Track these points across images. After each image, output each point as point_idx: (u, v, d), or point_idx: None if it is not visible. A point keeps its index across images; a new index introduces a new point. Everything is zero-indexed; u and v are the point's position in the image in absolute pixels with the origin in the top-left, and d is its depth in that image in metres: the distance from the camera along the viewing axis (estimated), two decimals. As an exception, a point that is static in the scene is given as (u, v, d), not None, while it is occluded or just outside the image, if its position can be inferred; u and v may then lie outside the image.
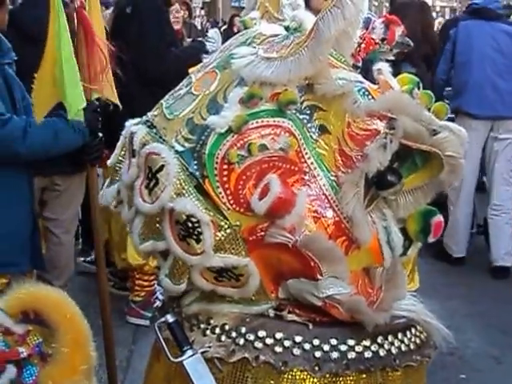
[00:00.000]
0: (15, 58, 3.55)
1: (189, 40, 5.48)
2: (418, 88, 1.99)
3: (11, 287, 2.02)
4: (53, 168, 4.05)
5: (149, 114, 1.97)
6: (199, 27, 15.53)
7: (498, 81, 5.77)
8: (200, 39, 5.62)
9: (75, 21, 3.42)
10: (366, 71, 2.06)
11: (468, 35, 5.80)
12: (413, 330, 1.96)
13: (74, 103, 3.28)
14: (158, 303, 4.95)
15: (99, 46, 3.51)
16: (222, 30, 12.61)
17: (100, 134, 3.67)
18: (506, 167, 5.82)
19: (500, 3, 6.08)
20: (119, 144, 1.99)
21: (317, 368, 1.84)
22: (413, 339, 1.95)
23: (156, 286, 5.27)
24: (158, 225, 1.85)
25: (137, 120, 1.97)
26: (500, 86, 5.76)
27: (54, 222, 4.54)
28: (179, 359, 1.86)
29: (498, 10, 5.87)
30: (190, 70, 2.06)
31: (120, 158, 1.98)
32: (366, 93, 1.91)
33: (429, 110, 1.94)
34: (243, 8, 2.28)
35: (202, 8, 24.78)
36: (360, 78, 1.97)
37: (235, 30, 10.97)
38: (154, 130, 1.90)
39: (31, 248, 3.57)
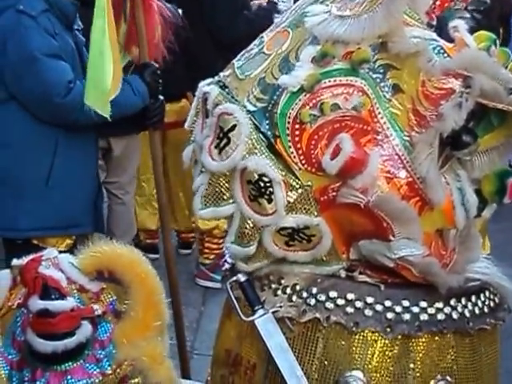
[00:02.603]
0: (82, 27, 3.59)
1: (257, 2, 5.42)
2: (495, 45, 1.94)
3: (85, 246, 2.06)
4: (107, 130, 4.07)
5: (221, 74, 1.97)
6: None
7: None
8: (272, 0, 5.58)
9: None
10: (441, 29, 2.02)
11: None
12: (486, 293, 1.93)
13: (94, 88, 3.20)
14: (226, 266, 4.99)
15: (156, 10, 3.52)
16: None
17: (161, 97, 3.68)
18: None
19: None
20: (193, 105, 1.99)
21: (388, 329, 1.83)
22: (486, 302, 1.92)
23: (225, 249, 5.31)
24: (222, 189, 1.86)
25: (209, 80, 1.96)
26: None
27: (114, 184, 4.61)
28: (250, 318, 1.87)
29: None
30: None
31: (194, 119, 1.98)
32: (442, 51, 1.87)
33: (506, 67, 1.89)
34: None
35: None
36: (434, 36, 1.93)
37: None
38: (226, 90, 1.89)
39: (94, 210, 3.63)
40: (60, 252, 2.12)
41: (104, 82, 3.11)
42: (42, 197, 3.42)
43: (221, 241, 5.24)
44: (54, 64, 3.32)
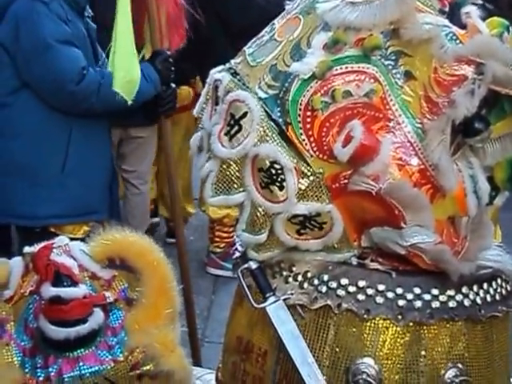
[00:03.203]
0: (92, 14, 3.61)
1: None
2: (508, 32, 1.93)
3: (96, 234, 2.07)
4: (128, 120, 4.11)
5: (232, 61, 1.96)
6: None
7: None
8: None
9: None
10: (453, 16, 2.01)
11: None
12: (498, 281, 1.92)
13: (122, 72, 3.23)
14: (237, 254, 4.99)
15: None
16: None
17: (173, 85, 3.69)
18: None
19: None
20: (204, 92, 1.99)
21: (400, 317, 1.83)
22: (498, 290, 1.91)
23: (236, 237, 5.32)
24: (233, 177, 1.85)
25: (220, 67, 1.96)
26: None
27: (132, 173, 4.63)
28: (262, 305, 1.87)
29: None
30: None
31: (203, 106, 1.98)
32: (454, 37, 1.86)
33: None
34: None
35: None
36: (447, 22, 1.93)
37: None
38: (238, 77, 1.89)
39: (110, 197, 3.66)
40: (76, 239, 2.13)
41: (133, 69, 3.15)
42: (58, 184, 3.46)
43: (231, 229, 5.25)
44: (67, 51, 3.34)
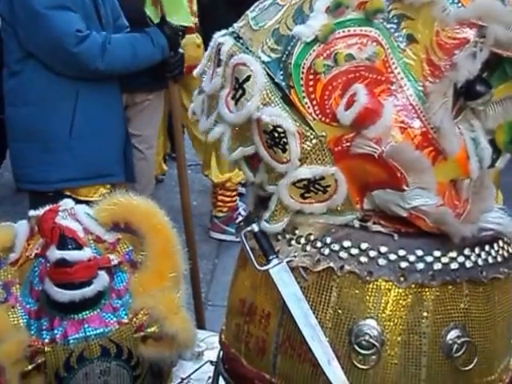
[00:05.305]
0: None
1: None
2: (511, -6, 1.92)
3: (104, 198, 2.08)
4: (134, 85, 4.13)
5: (235, 25, 1.96)
6: None
7: None
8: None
9: None
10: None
11: None
12: (500, 243, 1.94)
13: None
14: (240, 219, 5.02)
15: None
16: None
17: (181, 50, 3.69)
18: None
19: None
20: (206, 54, 1.99)
21: (402, 278, 1.84)
22: (500, 251, 1.92)
23: (238, 202, 5.35)
24: (247, 133, 1.86)
25: (223, 31, 1.96)
26: None
27: (138, 137, 4.64)
28: (265, 268, 1.89)
29: None
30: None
31: (205, 69, 1.99)
32: (456, 0, 1.86)
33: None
34: None
35: None
36: (449, -15, 1.92)
37: None
38: (241, 41, 1.89)
39: (124, 159, 3.70)
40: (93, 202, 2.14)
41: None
42: (66, 149, 3.51)
43: (234, 193, 5.28)
44: (59, 16, 3.34)
